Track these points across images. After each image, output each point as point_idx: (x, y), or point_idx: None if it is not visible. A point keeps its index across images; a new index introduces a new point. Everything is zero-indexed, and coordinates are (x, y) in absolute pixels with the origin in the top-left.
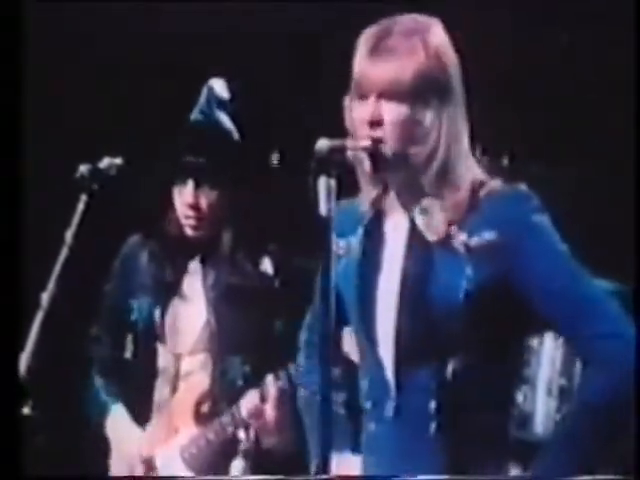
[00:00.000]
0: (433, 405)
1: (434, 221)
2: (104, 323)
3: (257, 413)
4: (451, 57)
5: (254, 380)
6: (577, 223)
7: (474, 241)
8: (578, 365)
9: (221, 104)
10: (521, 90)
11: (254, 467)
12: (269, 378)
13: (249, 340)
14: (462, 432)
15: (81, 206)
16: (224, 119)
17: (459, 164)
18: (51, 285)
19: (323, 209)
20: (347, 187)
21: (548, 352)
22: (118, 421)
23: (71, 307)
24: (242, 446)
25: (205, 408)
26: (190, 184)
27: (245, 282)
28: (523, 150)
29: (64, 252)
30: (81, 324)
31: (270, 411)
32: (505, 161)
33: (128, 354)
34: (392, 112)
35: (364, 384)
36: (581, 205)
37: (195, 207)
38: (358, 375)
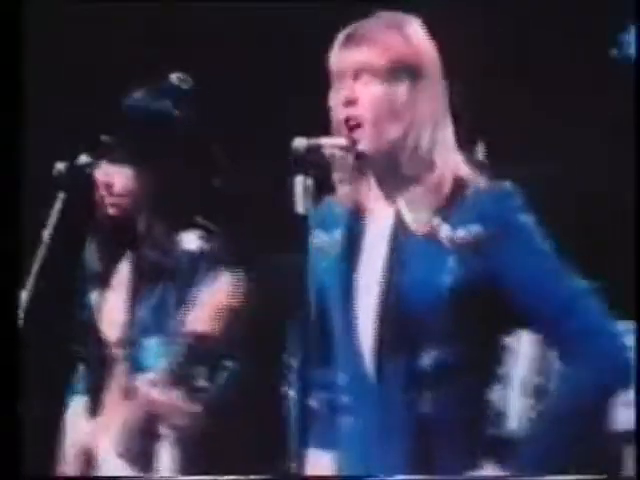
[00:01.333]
0: (411, 398)
1: (420, 214)
2: (75, 320)
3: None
4: (427, 48)
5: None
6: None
7: (459, 235)
8: (556, 364)
9: (172, 92)
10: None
11: (183, 453)
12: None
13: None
14: (438, 427)
15: (58, 204)
16: (166, 105)
17: (436, 149)
18: (29, 285)
19: (300, 208)
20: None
21: (525, 350)
22: (73, 413)
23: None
24: (162, 431)
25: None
26: (103, 163)
27: (165, 261)
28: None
29: (41, 251)
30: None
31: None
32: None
33: (82, 348)
34: (367, 91)
35: (343, 378)
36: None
37: (109, 186)
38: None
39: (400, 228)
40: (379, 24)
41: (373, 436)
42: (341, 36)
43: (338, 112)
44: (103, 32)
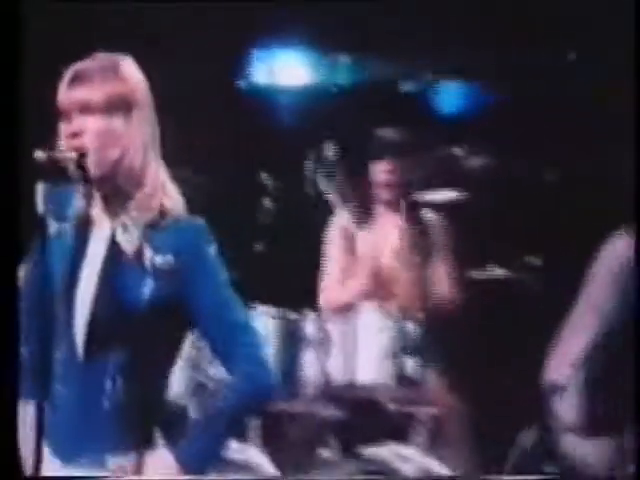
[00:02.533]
0: (109, 385)
1: (131, 237)
2: None
3: None
4: (138, 83)
5: None
6: None
7: (158, 260)
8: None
9: None
10: None
11: None
12: None
13: None
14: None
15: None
16: None
17: (147, 167)
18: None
19: (41, 208)
20: None
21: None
22: None
23: None
24: None
25: None
26: None
27: None
28: None
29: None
30: None
31: None
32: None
33: None
34: (90, 123)
35: (58, 357)
36: None
37: None
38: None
39: (114, 245)
40: (96, 64)
41: (79, 406)
42: (65, 77)
43: (67, 143)
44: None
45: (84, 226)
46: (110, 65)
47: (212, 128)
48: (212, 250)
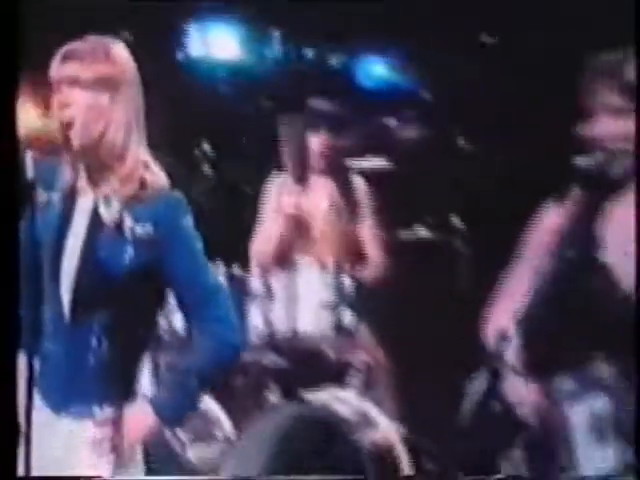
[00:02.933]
0: (95, 343)
1: (111, 207)
2: None
3: None
4: (127, 66)
5: None
6: None
7: (138, 230)
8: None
9: None
10: None
11: None
12: None
13: None
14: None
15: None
16: None
17: (129, 144)
18: None
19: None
20: None
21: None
22: None
23: None
24: None
25: None
26: None
27: None
28: None
29: None
30: None
31: None
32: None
33: None
34: (78, 97)
35: (47, 316)
36: None
37: None
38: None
39: (96, 215)
40: (88, 45)
41: (67, 363)
42: (59, 53)
43: (55, 113)
44: None
45: (70, 196)
46: (101, 47)
47: (151, 99)
48: (188, 221)
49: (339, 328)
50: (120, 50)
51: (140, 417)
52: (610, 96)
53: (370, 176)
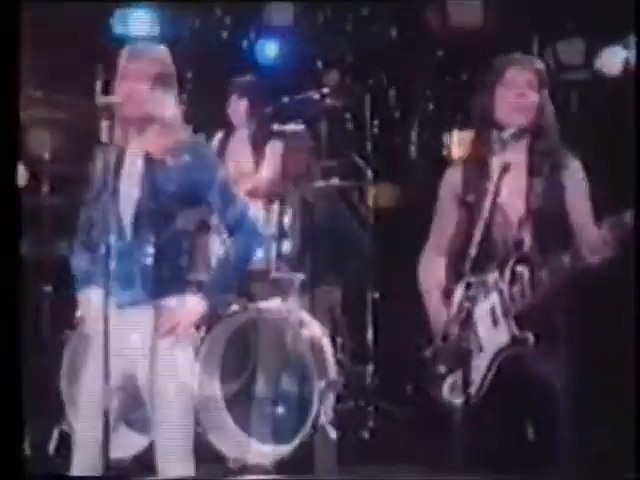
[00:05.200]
0: (150, 250)
1: (158, 149)
2: None
3: None
4: (170, 63)
5: None
6: None
7: (175, 163)
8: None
9: None
10: None
11: None
12: None
13: None
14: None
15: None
16: None
17: (167, 112)
18: None
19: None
20: None
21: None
22: None
23: None
24: None
25: None
26: None
27: None
28: None
29: None
30: None
31: None
32: None
33: None
34: (137, 85)
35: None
36: None
37: None
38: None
39: (148, 158)
40: (146, 47)
41: (128, 267)
42: (124, 53)
43: (118, 90)
44: None
45: (122, 148)
46: (156, 49)
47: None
48: (214, 159)
49: (280, 255)
50: (165, 51)
51: (191, 304)
52: None
53: (288, 137)
